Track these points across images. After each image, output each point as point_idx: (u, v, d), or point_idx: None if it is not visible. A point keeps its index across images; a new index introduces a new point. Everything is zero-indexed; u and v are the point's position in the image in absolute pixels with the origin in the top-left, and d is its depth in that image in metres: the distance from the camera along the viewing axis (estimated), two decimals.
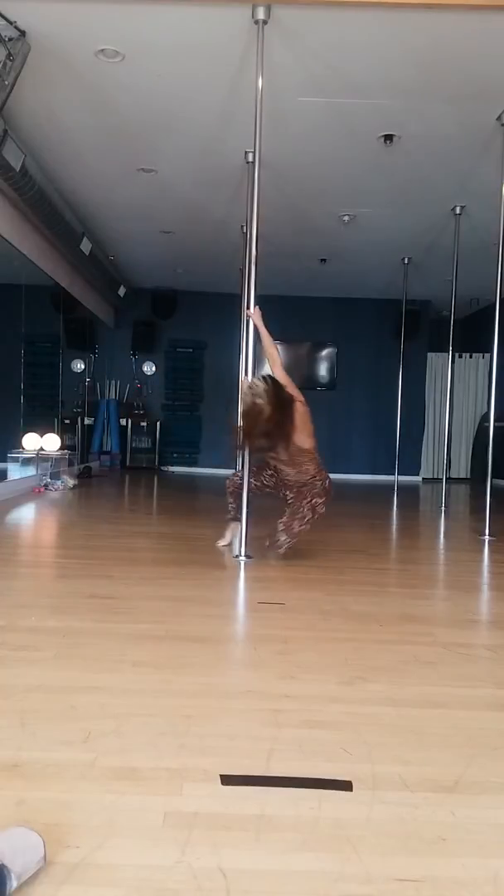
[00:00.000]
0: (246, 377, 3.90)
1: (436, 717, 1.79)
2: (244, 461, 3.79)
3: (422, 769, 1.50)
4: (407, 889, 1.12)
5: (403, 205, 6.37)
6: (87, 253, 7.42)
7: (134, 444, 10.50)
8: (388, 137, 4.92)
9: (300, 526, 3.74)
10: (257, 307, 3.92)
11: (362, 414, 10.55)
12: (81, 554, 3.90)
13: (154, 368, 10.77)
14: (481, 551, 4.53)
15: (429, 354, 10.66)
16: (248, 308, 3.98)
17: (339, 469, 10.57)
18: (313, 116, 4.68)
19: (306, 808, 1.33)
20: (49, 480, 7.12)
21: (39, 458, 7.41)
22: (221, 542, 4.10)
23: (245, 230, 5.17)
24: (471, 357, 11.00)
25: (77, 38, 3.88)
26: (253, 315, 3.92)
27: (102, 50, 3.98)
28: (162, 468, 10.54)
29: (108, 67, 4.16)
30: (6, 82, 3.80)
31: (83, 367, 9.98)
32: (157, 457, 10.49)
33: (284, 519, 3.76)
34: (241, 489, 3.79)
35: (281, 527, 3.73)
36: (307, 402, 3.70)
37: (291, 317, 9.41)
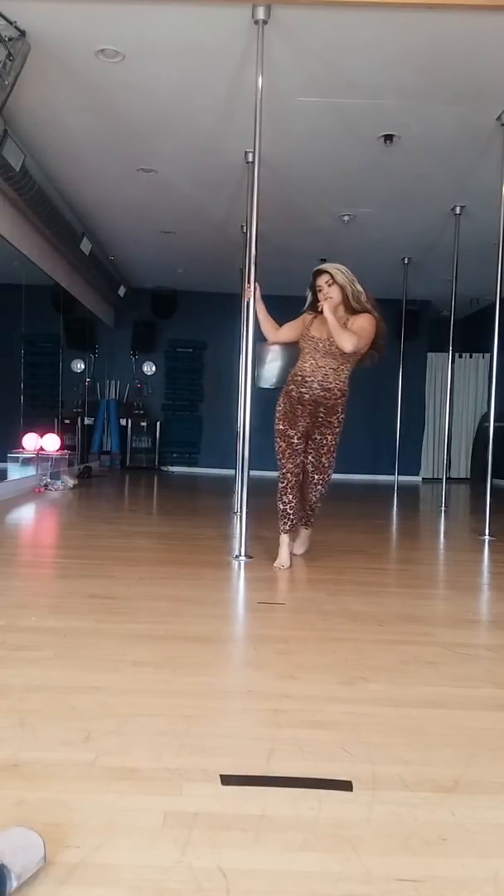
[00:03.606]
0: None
1: (436, 717, 1.79)
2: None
3: (422, 769, 1.50)
4: (407, 889, 1.12)
5: (403, 205, 6.37)
6: (87, 253, 7.42)
7: (134, 444, 10.50)
8: (388, 137, 4.92)
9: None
10: (256, 284, 3.81)
11: (362, 414, 10.52)
12: (81, 554, 3.90)
13: (154, 368, 10.77)
14: (481, 551, 4.53)
15: (429, 354, 10.65)
16: (248, 284, 3.88)
17: (340, 469, 10.55)
18: (313, 116, 4.68)
19: (306, 808, 1.33)
20: (49, 480, 7.12)
21: (39, 458, 7.41)
22: (283, 564, 3.62)
23: (245, 230, 5.17)
24: (471, 357, 11.00)
25: (77, 38, 3.88)
26: (251, 292, 3.82)
27: (102, 50, 3.98)
28: (162, 468, 10.54)
29: (108, 67, 4.16)
30: (6, 82, 3.80)
31: (83, 367, 9.98)
32: (157, 457, 10.49)
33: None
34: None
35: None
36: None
37: (292, 317, 9.39)
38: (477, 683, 2.06)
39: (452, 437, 9.16)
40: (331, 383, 3.63)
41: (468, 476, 11.00)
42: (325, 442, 3.75)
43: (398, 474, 8.88)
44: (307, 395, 3.64)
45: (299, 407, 3.67)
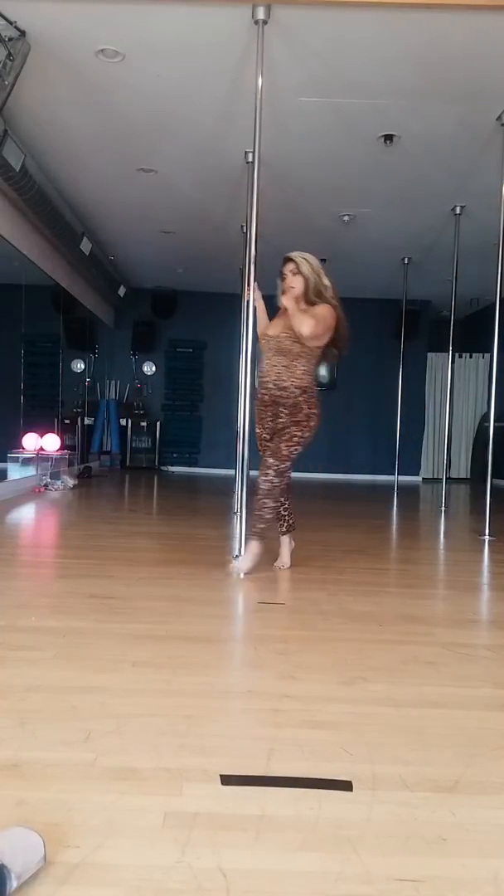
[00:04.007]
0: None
1: (436, 717, 1.79)
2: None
3: (422, 769, 1.50)
4: (407, 889, 1.12)
5: (403, 205, 6.37)
6: (87, 253, 7.42)
7: (134, 444, 10.50)
8: (388, 137, 4.92)
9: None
10: (256, 284, 3.73)
11: (362, 414, 10.55)
12: (81, 554, 3.90)
13: (154, 368, 10.77)
14: (481, 551, 4.53)
15: (429, 354, 10.66)
16: (248, 286, 3.79)
17: (340, 469, 10.60)
18: (313, 116, 4.68)
19: (306, 808, 1.33)
20: (49, 480, 7.12)
21: (39, 458, 7.41)
22: (244, 568, 3.45)
23: (245, 230, 5.17)
24: (471, 357, 11.00)
25: (77, 38, 3.88)
26: (254, 293, 3.72)
27: (102, 50, 3.98)
28: (162, 468, 10.54)
29: (108, 67, 4.16)
30: (6, 82, 3.80)
31: (83, 367, 9.98)
32: (157, 457, 10.49)
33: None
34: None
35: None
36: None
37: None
38: (477, 683, 2.06)
39: (452, 437, 9.16)
40: (285, 381, 3.46)
41: (468, 476, 11.00)
42: (288, 432, 3.47)
43: (398, 474, 8.88)
44: (266, 396, 3.52)
45: (262, 409, 3.57)
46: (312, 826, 1.27)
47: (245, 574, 3.41)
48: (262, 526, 3.50)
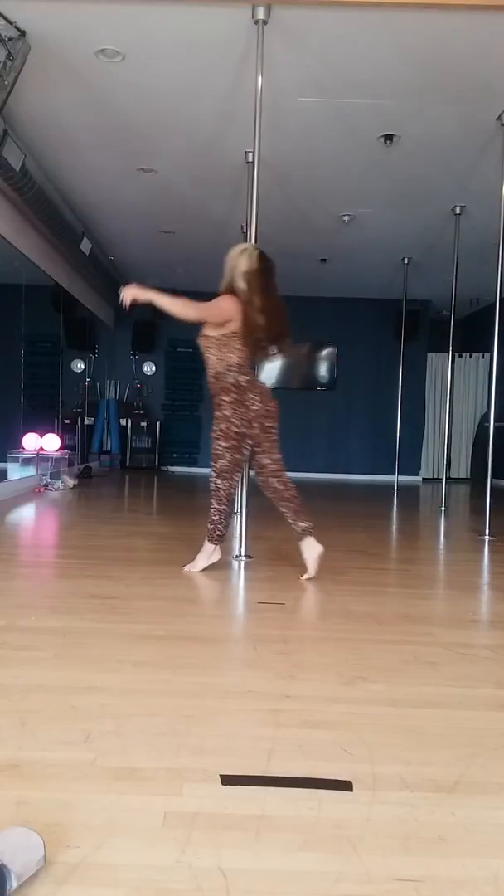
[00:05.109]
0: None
1: (436, 717, 1.79)
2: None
3: (422, 769, 1.50)
4: (407, 889, 1.11)
5: (403, 205, 6.37)
6: (87, 253, 7.43)
7: (134, 444, 10.50)
8: (388, 137, 4.93)
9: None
10: (130, 285, 3.48)
11: (362, 414, 10.55)
12: (81, 554, 3.90)
13: (154, 368, 10.77)
14: (481, 551, 4.53)
15: (429, 354, 10.66)
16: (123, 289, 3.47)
17: (340, 469, 10.60)
18: (313, 116, 4.68)
19: (306, 808, 1.33)
20: (49, 480, 7.12)
21: (39, 458, 7.41)
22: (194, 568, 3.46)
23: (245, 230, 5.17)
24: (471, 357, 11.00)
25: (77, 38, 3.89)
26: (126, 295, 3.39)
27: (102, 50, 3.98)
28: (162, 468, 10.54)
29: (108, 67, 4.16)
30: (6, 82, 3.80)
31: (83, 367, 9.98)
32: (157, 457, 10.49)
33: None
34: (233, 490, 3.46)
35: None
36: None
37: (291, 317, 9.40)
38: (477, 683, 2.06)
39: (452, 437, 9.17)
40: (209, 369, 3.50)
41: (468, 476, 11.00)
42: None
43: (398, 474, 8.88)
44: None
45: None
46: (312, 826, 1.27)
47: (193, 571, 3.42)
48: (209, 527, 3.53)
